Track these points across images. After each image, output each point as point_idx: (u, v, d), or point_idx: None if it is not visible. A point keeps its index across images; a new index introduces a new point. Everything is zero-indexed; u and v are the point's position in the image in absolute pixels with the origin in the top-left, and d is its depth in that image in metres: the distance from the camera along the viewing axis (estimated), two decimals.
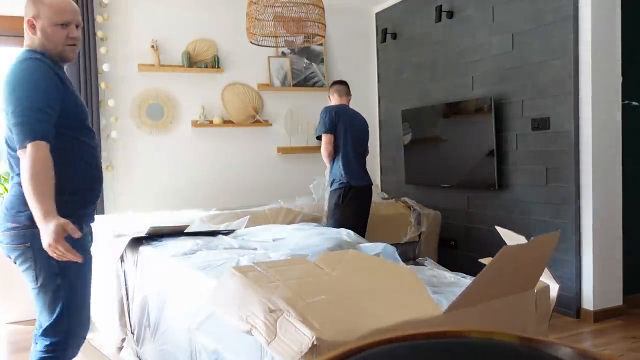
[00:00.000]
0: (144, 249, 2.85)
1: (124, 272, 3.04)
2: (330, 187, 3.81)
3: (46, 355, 1.94)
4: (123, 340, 3.08)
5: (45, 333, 1.95)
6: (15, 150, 1.87)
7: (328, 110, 3.81)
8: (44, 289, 1.91)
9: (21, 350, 3.33)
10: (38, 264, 1.89)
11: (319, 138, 3.84)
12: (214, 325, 1.92)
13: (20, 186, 1.84)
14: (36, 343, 1.99)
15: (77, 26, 1.98)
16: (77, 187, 1.97)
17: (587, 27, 3.45)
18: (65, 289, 1.92)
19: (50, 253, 1.73)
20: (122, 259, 3.05)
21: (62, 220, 1.72)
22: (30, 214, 1.79)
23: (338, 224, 3.58)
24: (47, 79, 1.85)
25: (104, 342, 3.31)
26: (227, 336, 1.82)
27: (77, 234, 1.74)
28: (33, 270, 1.91)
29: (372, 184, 3.85)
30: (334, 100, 4.00)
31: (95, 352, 3.21)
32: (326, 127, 3.75)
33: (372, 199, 3.95)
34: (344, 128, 3.76)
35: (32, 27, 1.91)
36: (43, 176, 1.75)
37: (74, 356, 2.04)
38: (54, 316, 1.92)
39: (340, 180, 3.75)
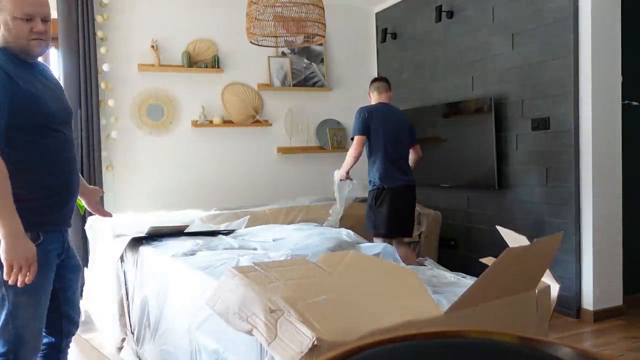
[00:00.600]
0: (144, 249, 2.85)
1: (124, 272, 3.04)
2: (368, 187, 3.79)
3: None
4: (123, 340, 3.08)
5: None
6: None
7: (361, 111, 3.75)
8: None
9: None
10: None
11: (353, 139, 3.77)
12: (214, 325, 1.92)
13: None
14: None
15: (44, 20, 1.82)
16: (38, 194, 1.84)
17: (587, 27, 3.45)
18: (10, 301, 1.80)
19: (9, 271, 1.68)
20: (122, 259, 3.05)
21: (32, 244, 1.69)
22: None
23: (372, 225, 3.66)
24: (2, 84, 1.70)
25: (104, 342, 3.31)
26: (227, 336, 1.82)
27: (28, 278, 1.71)
28: None
29: (410, 184, 3.70)
30: (373, 98, 3.90)
31: (95, 352, 3.21)
32: (357, 129, 3.71)
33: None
34: (376, 129, 3.68)
35: None
36: (8, 191, 1.66)
37: None
38: (1, 322, 1.82)
39: (373, 182, 3.72)
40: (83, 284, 2.35)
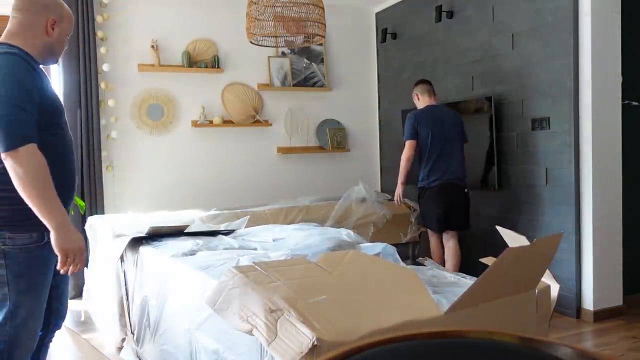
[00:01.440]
0: (144, 249, 2.85)
1: (124, 272, 3.04)
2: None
3: None
4: (123, 340, 3.08)
5: None
6: None
7: (410, 116, 3.99)
8: None
9: None
10: None
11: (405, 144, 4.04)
12: (214, 325, 1.92)
13: None
14: None
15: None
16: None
17: (587, 27, 3.45)
18: (12, 301, 1.83)
19: (64, 260, 1.75)
20: (122, 259, 3.05)
21: (80, 235, 1.77)
22: (1, 217, 1.79)
23: (420, 216, 4.14)
24: (28, 76, 1.78)
25: (104, 342, 3.31)
26: (227, 336, 1.82)
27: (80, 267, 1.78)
28: None
29: (452, 181, 3.89)
30: (421, 101, 4.09)
31: (95, 352, 3.21)
32: (407, 134, 3.97)
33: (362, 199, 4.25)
34: (425, 132, 3.91)
35: (52, 27, 1.92)
36: (46, 181, 1.72)
37: None
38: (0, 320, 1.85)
39: (420, 180, 4.01)
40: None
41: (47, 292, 1.95)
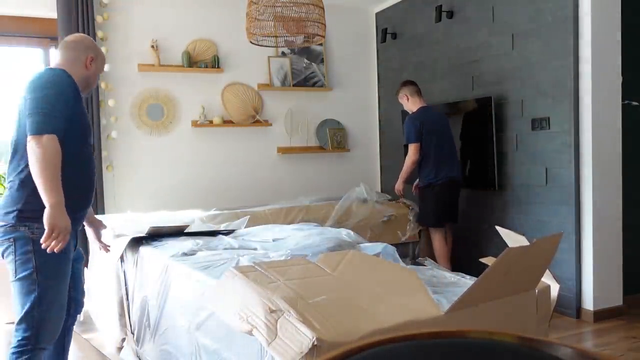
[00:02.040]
0: (144, 249, 2.85)
1: (124, 272, 3.04)
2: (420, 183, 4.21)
3: (19, 348, 2.07)
4: (123, 340, 3.08)
5: (17, 326, 2.09)
6: (23, 155, 2.08)
7: (413, 120, 4.07)
8: (20, 282, 2.07)
9: None
10: (17, 258, 2.07)
11: (406, 145, 4.17)
12: (214, 325, 1.92)
13: (14, 187, 2.10)
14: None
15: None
16: (73, 194, 2.11)
17: (587, 27, 3.45)
18: (40, 285, 2.06)
19: (50, 232, 1.95)
20: (122, 259, 3.05)
21: (69, 221, 1.99)
22: (18, 214, 2.07)
23: (424, 213, 4.22)
24: (68, 90, 2.14)
25: (104, 342, 3.31)
26: (227, 336, 1.82)
27: (61, 245, 1.99)
28: (13, 263, 2.08)
29: (455, 178, 4.06)
30: (412, 102, 4.17)
31: (96, 352, 3.21)
32: (413, 138, 4.04)
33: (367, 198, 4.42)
34: (430, 133, 4.04)
35: (90, 63, 2.32)
36: (57, 167, 1.99)
37: (47, 349, 2.16)
38: (26, 309, 2.06)
39: (425, 178, 4.10)
40: (84, 282, 2.54)
41: (68, 280, 2.19)
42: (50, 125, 2.02)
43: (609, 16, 3.51)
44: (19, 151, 2.14)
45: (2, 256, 2.12)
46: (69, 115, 2.11)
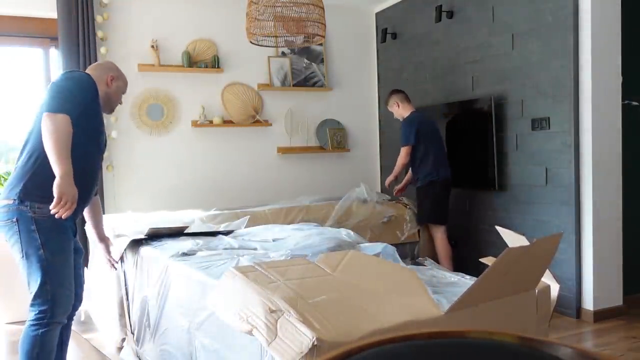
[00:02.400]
0: (144, 250, 2.85)
1: (124, 272, 3.04)
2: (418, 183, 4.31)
3: (37, 322, 2.21)
4: (123, 340, 3.08)
5: (33, 302, 2.22)
6: (36, 146, 2.24)
7: (410, 121, 4.17)
8: (28, 259, 2.21)
9: None
10: (23, 237, 2.20)
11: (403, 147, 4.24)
12: (214, 325, 1.92)
13: (20, 168, 2.26)
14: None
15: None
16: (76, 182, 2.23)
17: (587, 27, 3.45)
18: (47, 261, 2.21)
19: (58, 199, 2.08)
20: (122, 259, 3.05)
21: (76, 191, 2.14)
22: (22, 190, 2.20)
23: (429, 211, 4.23)
24: (89, 90, 2.35)
25: (104, 342, 3.31)
26: (227, 336, 1.82)
27: (68, 212, 2.12)
28: (19, 243, 2.21)
29: (446, 179, 4.16)
30: (402, 108, 4.28)
31: (95, 352, 3.21)
32: (412, 139, 4.13)
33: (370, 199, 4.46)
34: (427, 133, 4.16)
35: (111, 81, 2.54)
36: (67, 142, 2.14)
37: (61, 323, 2.31)
38: (39, 283, 2.20)
39: (427, 176, 4.18)
40: (83, 276, 2.65)
41: (71, 259, 2.33)
42: (65, 107, 2.18)
43: (609, 16, 3.51)
44: (30, 142, 2.28)
45: (7, 239, 2.24)
46: (83, 110, 2.27)
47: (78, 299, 2.51)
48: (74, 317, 2.55)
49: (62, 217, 2.11)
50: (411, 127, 4.12)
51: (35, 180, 2.22)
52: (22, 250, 2.21)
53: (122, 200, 4.48)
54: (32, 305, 2.23)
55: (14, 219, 2.19)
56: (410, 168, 4.35)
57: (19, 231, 2.19)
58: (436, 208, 4.17)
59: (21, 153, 2.32)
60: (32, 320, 2.22)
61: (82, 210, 2.49)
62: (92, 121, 2.37)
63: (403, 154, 4.15)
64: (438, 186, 4.13)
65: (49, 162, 2.14)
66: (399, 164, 4.21)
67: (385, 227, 4.43)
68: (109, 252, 2.85)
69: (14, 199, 2.20)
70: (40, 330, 2.21)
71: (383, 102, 5.49)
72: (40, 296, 2.21)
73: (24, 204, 2.19)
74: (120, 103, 2.64)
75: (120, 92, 2.58)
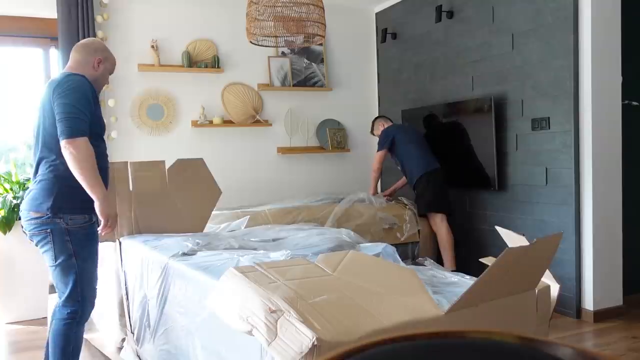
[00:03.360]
0: (144, 249, 2.85)
1: (124, 272, 3.04)
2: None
3: (68, 320, 2.40)
4: (123, 340, 3.08)
5: (65, 303, 2.41)
6: (52, 150, 2.35)
7: (387, 131, 4.50)
8: (61, 266, 2.38)
9: (21, 350, 3.33)
10: (56, 247, 2.36)
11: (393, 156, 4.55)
12: (214, 325, 1.92)
13: (47, 181, 2.36)
14: (54, 317, 2.44)
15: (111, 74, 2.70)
16: None
17: (587, 27, 3.45)
18: (79, 267, 2.39)
19: (105, 223, 2.36)
20: (122, 259, 3.05)
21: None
22: (53, 205, 2.32)
23: (429, 202, 4.36)
24: (89, 94, 2.40)
25: (104, 342, 3.31)
26: (227, 336, 1.82)
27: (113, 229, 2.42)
28: (52, 251, 2.37)
29: (436, 169, 4.36)
30: (383, 126, 4.65)
31: (96, 352, 3.21)
32: (382, 144, 4.45)
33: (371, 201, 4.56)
34: (403, 134, 4.44)
35: (98, 64, 2.55)
36: (94, 166, 2.30)
37: (87, 320, 2.51)
38: (70, 287, 2.38)
39: (418, 170, 4.39)
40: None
41: (97, 262, 2.51)
42: (80, 128, 2.29)
43: (609, 16, 3.51)
44: (46, 145, 2.37)
45: (37, 245, 2.42)
46: (91, 117, 2.38)
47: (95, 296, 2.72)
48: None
49: (110, 231, 2.39)
50: (387, 136, 4.45)
51: (63, 195, 2.35)
52: (55, 259, 2.37)
53: None
54: (64, 306, 2.41)
55: (48, 230, 2.35)
56: (404, 174, 4.52)
57: (53, 241, 2.36)
58: (434, 196, 4.30)
59: (37, 164, 2.42)
60: (66, 319, 2.40)
61: None
62: (98, 123, 2.48)
63: (377, 159, 4.49)
64: (431, 176, 4.29)
65: (70, 175, 2.29)
66: (373, 169, 4.57)
67: (386, 230, 4.43)
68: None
69: (46, 213, 2.33)
70: (74, 329, 2.41)
71: (383, 102, 5.49)
72: (72, 298, 2.40)
73: (57, 216, 2.34)
74: (107, 83, 2.69)
75: (107, 73, 2.60)
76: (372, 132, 4.78)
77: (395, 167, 4.72)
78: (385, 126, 4.60)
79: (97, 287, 2.53)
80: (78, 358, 2.47)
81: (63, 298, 2.40)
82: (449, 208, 4.36)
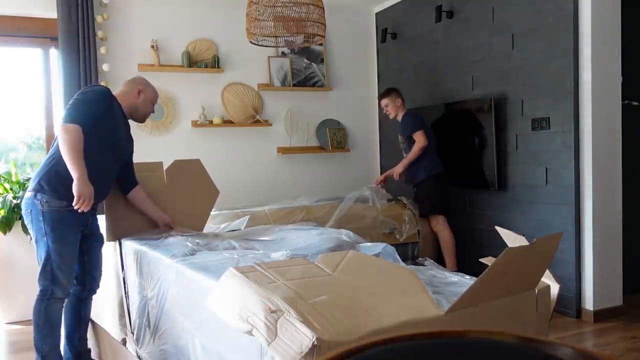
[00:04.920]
0: (144, 249, 2.85)
1: (124, 272, 3.04)
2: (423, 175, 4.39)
3: (39, 296, 2.62)
4: (123, 340, 3.08)
5: (38, 279, 2.62)
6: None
7: (415, 115, 4.41)
8: (37, 244, 2.63)
9: (21, 350, 3.33)
10: (34, 225, 2.63)
11: (409, 138, 4.35)
12: (214, 325, 1.92)
13: (43, 166, 2.64)
14: None
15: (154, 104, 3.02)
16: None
17: (587, 27, 3.45)
18: (49, 247, 2.59)
19: (78, 198, 2.49)
20: (122, 259, 3.05)
21: (92, 189, 2.54)
22: (37, 184, 2.60)
23: (437, 203, 4.37)
24: (104, 105, 2.70)
25: None
26: (227, 336, 1.82)
27: (87, 207, 2.54)
28: (31, 230, 2.65)
29: (441, 172, 4.34)
30: (401, 107, 4.47)
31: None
32: (419, 126, 4.28)
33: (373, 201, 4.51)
34: (428, 127, 4.37)
35: (139, 93, 2.91)
36: (79, 149, 2.52)
37: (61, 299, 2.69)
38: (41, 265, 2.61)
39: (433, 168, 4.34)
40: (101, 261, 3.00)
41: (74, 247, 2.69)
42: (76, 118, 2.56)
43: (609, 16, 3.51)
44: (54, 144, 2.68)
45: (26, 222, 2.69)
46: (97, 119, 2.64)
47: (94, 279, 2.92)
48: (93, 297, 2.96)
49: (84, 211, 2.53)
50: (416, 117, 4.32)
51: (47, 178, 2.61)
52: (33, 235, 2.66)
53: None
54: (38, 281, 2.62)
55: (29, 210, 2.63)
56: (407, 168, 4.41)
57: (32, 220, 2.62)
58: (442, 199, 4.34)
59: (48, 152, 2.77)
60: (38, 295, 2.62)
61: (99, 202, 2.85)
62: (106, 129, 2.71)
63: (420, 138, 4.23)
64: (440, 178, 4.31)
65: (61, 163, 2.55)
66: (416, 150, 4.25)
67: (385, 227, 4.43)
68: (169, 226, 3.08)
69: (31, 192, 2.62)
70: (44, 304, 2.61)
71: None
72: (42, 275, 2.61)
73: (36, 197, 2.60)
74: (153, 112, 3.02)
75: (148, 101, 2.94)
76: (382, 97, 4.53)
77: (397, 165, 4.68)
78: (400, 103, 4.45)
79: (70, 272, 2.67)
80: (54, 335, 2.66)
81: (38, 274, 2.63)
82: (449, 209, 4.41)
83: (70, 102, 2.65)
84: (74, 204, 2.51)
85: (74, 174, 2.50)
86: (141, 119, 3.02)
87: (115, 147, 2.81)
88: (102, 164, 2.72)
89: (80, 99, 2.66)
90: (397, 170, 4.41)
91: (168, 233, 2.95)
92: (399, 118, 4.46)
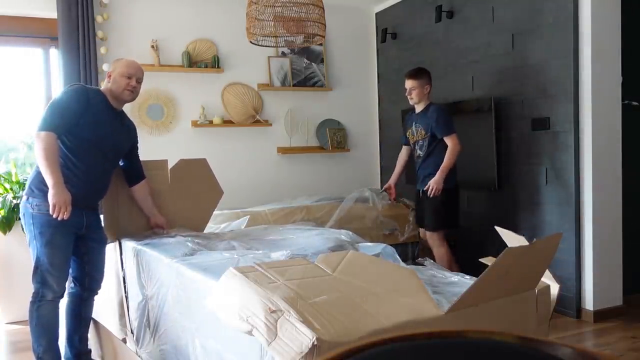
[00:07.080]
0: (144, 249, 2.85)
1: (124, 272, 3.04)
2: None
3: (33, 298, 2.64)
4: (123, 340, 3.08)
5: (32, 281, 2.63)
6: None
7: (446, 109, 3.80)
8: (30, 246, 2.65)
9: (21, 350, 3.33)
10: (26, 229, 2.66)
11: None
12: (214, 325, 1.92)
13: (37, 168, 2.60)
14: None
15: (137, 81, 2.81)
16: (67, 180, 2.59)
17: (587, 27, 3.45)
18: (38, 250, 2.60)
19: (53, 207, 2.46)
20: (122, 259, 3.05)
21: (68, 195, 2.51)
22: (28, 188, 2.64)
23: (449, 219, 3.84)
24: (80, 104, 2.63)
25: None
26: (227, 336, 1.82)
27: (64, 215, 2.50)
28: (26, 232, 2.67)
29: (457, 182, 3.85)
30: (428, 93, 3.84)
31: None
32: (453, 126, 3.71)
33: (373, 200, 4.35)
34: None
35: (108, 77, 2.81)
36: (53, 156, 2.52)
37: (53, 302, 2.67)
38: (33, 268, 2.62)
39: (452, 178, 3.78)
40: (102, 262, 2.97)
41: (64, 250, 2.66)
42: (49, 124, 2.54)
43: (609, 16, 3.51)
44: None
45: (22, 224, 2.72)
46: (77, 120, 2.61)
47: (93, 280, 2.90)
48: (94, 297, 2.94)
49: (65, 218, 2.49)
50: (451, 118, 3.73)
51: (37, 182, 2.62)
52: (27, 238, 2.68)
53: None
54: (32, 282, 2.63)
55: (22, 214, 2.67)
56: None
57: (25, 222, 2.66)
58: (452, 214, 3.82)
59: None
60: (31, 296, 2.64)
61: (96, 201, 2.86)
62: (87, 127, 2.66)
63: (456, 141, 3.63)
64: (456, 192, 3.83)
65: None
66: (453, 156, 3.63)
67: (386, 227, 4.43)
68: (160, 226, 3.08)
69: (25, 196, 2.66)
70: (35, 305, 2.63)
71: (383, 102, 5.48)
72: (34, 277, 2.62)
73: (28, 201, 2.63)
74: (135, 85, 2.79)
75: (119, 76, 2.76)
76: (410, 77, 3.82)
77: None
78: (428, 91, 3.82)
79: (61, 275, 2.66)
80: (48, 336, 2.65)
81: (32, 275, 2.65)
82: (458, 226, 3.96)
83: (45, 107, 2.63)
84: (50, 212, 2.49)
85: (48, 182, 2.48)
86: (127, 97, 2.80)
87: (101, 143, 2.74)
88: (92, 163, 2.70)
89: (53, 103, 2.64)
90: (437, 182, 3.64)
91: (168, 233, 2.95)
92: (421, 107, 3.83)
